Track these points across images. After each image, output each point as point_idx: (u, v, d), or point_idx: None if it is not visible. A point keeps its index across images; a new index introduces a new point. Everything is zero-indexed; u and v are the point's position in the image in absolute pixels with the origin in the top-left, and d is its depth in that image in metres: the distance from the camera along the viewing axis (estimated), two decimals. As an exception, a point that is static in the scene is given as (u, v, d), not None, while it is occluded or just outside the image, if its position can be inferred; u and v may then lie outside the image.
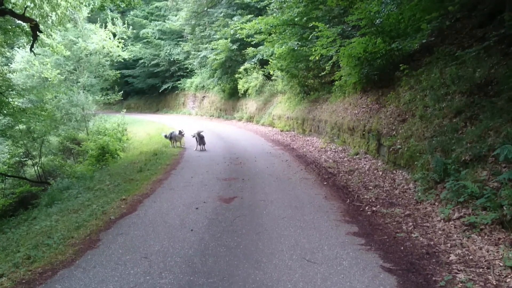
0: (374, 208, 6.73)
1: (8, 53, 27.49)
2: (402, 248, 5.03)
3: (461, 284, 3.96)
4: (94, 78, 31.13)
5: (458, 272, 4.22)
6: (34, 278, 4.66)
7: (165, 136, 16.92)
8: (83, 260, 5.07)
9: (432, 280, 4.11)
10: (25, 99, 21.47)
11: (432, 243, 5.10)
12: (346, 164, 10.75)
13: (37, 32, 14.55)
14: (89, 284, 4.37)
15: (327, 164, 10.95)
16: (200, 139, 15.17)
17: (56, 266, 4.97)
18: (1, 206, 15.78)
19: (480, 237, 4.94)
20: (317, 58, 14.72)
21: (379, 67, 11.70)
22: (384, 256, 4.80)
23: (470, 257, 4.55)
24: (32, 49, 15.95)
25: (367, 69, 11.98)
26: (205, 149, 15.16)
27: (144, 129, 24.42)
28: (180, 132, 16.12)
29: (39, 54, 25.44)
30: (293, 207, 6.99)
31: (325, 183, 8.89)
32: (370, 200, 7.23)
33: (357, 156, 11.26)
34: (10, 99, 16.97)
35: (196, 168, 11.25)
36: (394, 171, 8.90)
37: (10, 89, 17.53)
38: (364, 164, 10.36)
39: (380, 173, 9.16)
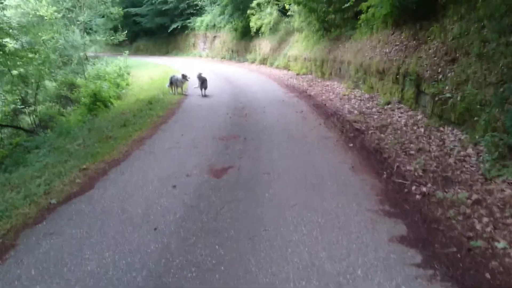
0: (423, 188, 4.68)
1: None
2: (488, 275, 3.04)
3: None
4: (102, 17, 28.99)
5: None
6: None
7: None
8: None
9: None
10: (23, 40, 19.50)
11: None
12: (376, 116, 8.62)
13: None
14: None
15: (352, 116, 8.82)
16: (202, 82, 13.20)
17: None
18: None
19: None
20: (340, -14, 12.28)
21: (418, -7, 9.26)
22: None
23: None
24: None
25: (403, -4, 9.56)
26: (206, 95, 13.24)
27: (149, 73, 22.21)
28: (184, 77, 14.03)
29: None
30: (308, 185, 5.00)
31: (351, 144, 6.83)
32: (416, 174, 5.16)
33: (389, 106, 9.10)
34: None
35: (191, 121, 9.26)
36: (442, 128, 6.81)
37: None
38: (399, 117, 8.24)
39: (422, 130, 7.06)
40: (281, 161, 6.03)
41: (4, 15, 18.87)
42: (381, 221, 3.98)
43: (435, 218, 3.99)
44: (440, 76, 7.32)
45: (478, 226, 3.75)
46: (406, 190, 4.74)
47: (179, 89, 14.37)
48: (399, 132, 7.21)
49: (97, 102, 14.10)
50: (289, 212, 4.26)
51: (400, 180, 5.04)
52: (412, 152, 6.08)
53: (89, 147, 7.38)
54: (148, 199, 4.76)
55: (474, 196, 4.33)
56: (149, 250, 3.61)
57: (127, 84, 19.53)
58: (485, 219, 3.85)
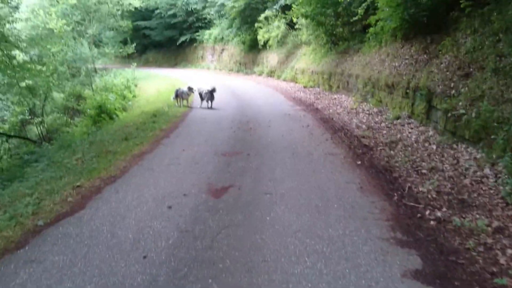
0: (438, 213, 4.32)
1: (13, 2, 25.44)
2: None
3: None
4: (112, 30, 29.11)
5: None
6: None
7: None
8: None
9: None
10: (31, 53, 19.50)
11: None
12: (385, 132, 8.29)
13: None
14: None
15: (360, 131, 8.50)
16: (210, 95, 13.06)
17: None
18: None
19: None
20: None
21: (428, 6, 8.96)
22: None
23: None
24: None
25: (413, 10, 9.24)
26: (211, 107, 13.11)
27: (156, 85, 21.99)
28: (190, 89, 13.81)
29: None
30: (313, 209, 4.66)
31: (359, 162, 6.49)
32: (430, 196, 4.81)
33: (399, 121, 8.78)
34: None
35: (194, 135, 8.99)
36: (455, 146, 6.45)
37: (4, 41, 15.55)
38: (409, 132, 7.91)
39: (434, 147, 6.72)
40: (284, 181, 5.70)
41: (15, 28, 18.94)
42: (392, 251, 3.62)
43: (453, 248, 3.62)
44: (453, 92, 7.00)
45: (502, 260, 3.39)
46: (419, 214, 4.38)
47: (184, 102, 14.14)
48: (409, 149, 6.87)
49: (102, 114, 13.96)
50: (291, 239, 3.91)
51: (412, 203, 4.69)
52: (424, 171, 5.73)
53: (86, 162, 7.12)
54: (140, 221, 4.43)
55: (495, 224, 3.97)
56: (135, 283, 3.27)
57: (134, 96, 19.37)
58: (509, 251, 3.48)
